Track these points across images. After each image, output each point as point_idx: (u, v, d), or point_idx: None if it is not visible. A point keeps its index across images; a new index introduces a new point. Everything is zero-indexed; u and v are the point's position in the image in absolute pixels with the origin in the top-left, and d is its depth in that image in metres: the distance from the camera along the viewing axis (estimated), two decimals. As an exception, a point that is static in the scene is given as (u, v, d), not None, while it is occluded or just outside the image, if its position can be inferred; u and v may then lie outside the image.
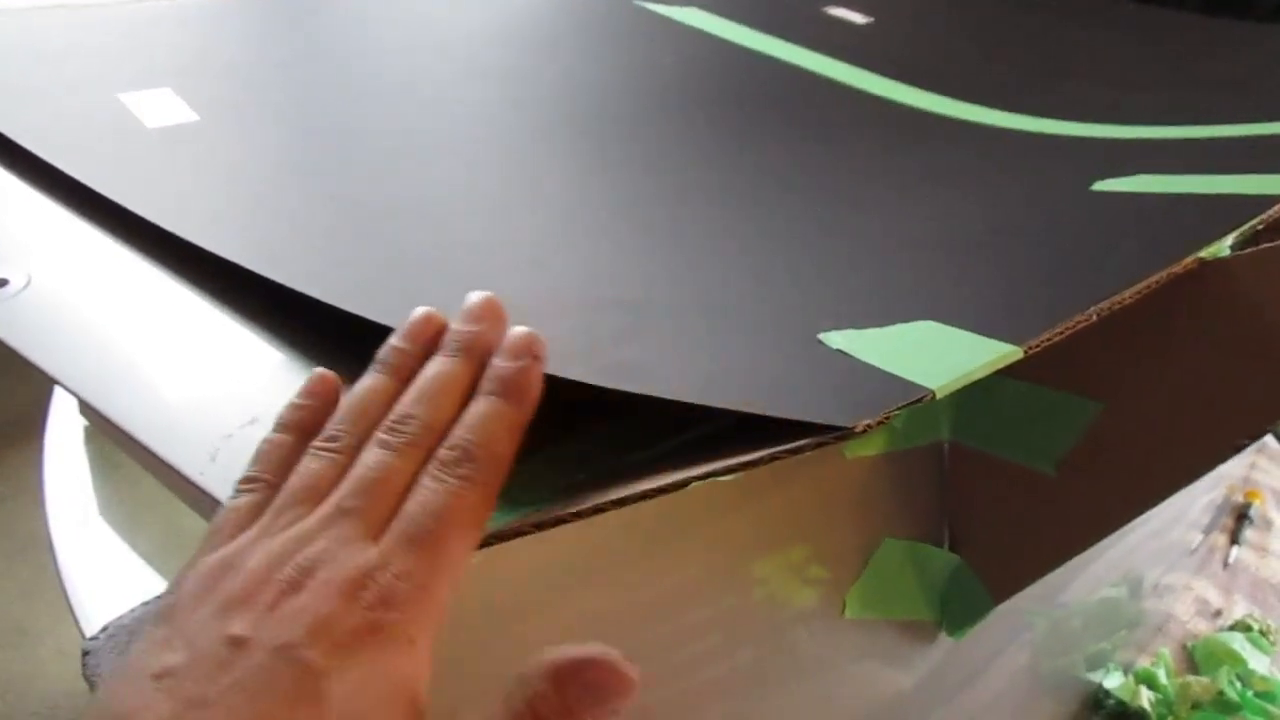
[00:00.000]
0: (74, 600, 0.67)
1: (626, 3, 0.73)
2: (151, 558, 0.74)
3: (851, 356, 0.28)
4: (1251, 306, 0.33)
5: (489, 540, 0.27)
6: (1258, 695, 0.67)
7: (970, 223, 0.39)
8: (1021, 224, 0.39)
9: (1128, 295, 0.29)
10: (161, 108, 0.45)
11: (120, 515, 0.76)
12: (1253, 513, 0.89)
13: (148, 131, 0.43)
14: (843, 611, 0.40)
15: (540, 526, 0.26)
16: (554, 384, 0.29)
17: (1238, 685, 0.66)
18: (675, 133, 0.51)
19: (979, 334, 0.28)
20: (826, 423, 0.24)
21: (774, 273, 0.35)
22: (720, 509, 0.36)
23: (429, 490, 0.25)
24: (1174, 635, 0.75)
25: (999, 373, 0.39)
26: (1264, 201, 0.36)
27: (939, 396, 0.25)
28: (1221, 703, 0.65)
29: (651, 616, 0.36)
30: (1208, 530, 0.84)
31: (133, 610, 0.59)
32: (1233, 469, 0.92)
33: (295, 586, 0.23)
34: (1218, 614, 0.78)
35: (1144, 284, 0.30)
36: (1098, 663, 0.69)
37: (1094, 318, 0.28)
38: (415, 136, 0.46)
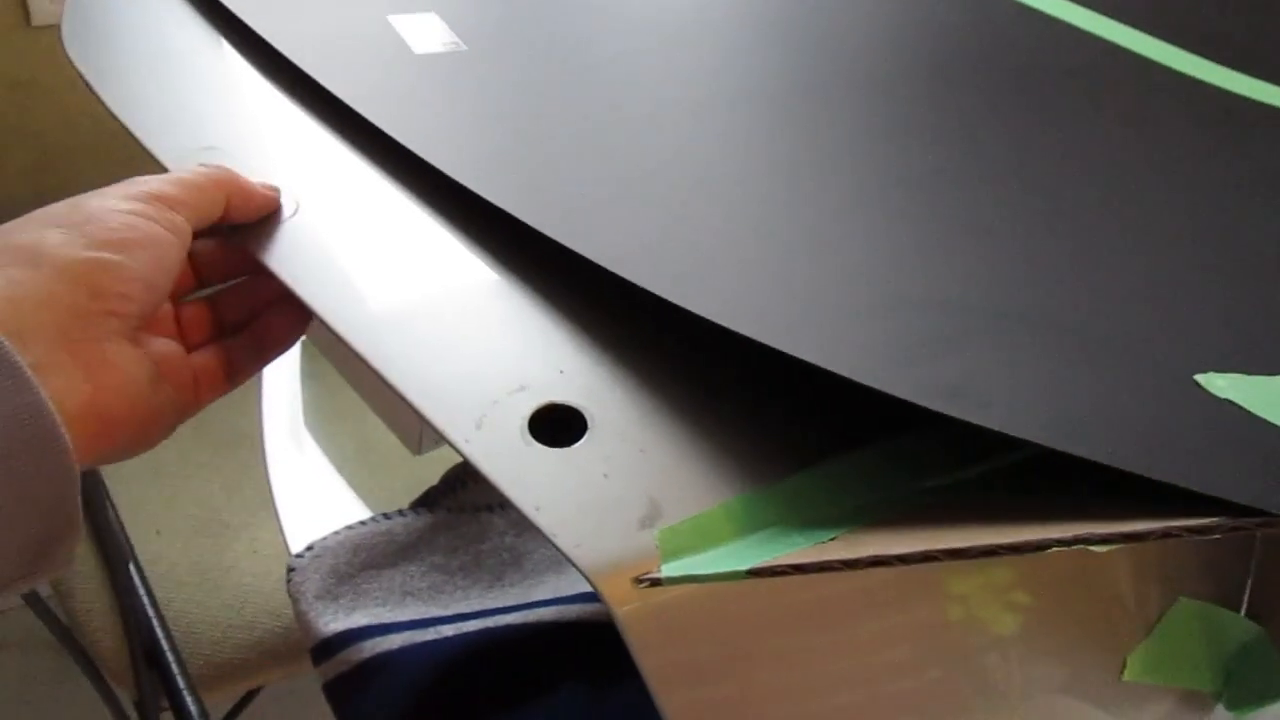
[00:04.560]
0: (280, 509, 0.69)
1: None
2: (343, 468, 0.75)
3: (1245, 410, 0.23)
4: None
5: (787, 571, 0.23)
6: None
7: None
8: None
9: None
10: (429, 33, 0.43)
11: (320, 427, 0.77)
12: None
13: (415, 57, 0.41)
14: (1121, 673, 0.35)
15: (852, 565, 0.23)
16: (846, 387, 0.26)
17: None
18: (970, 101, 0.46)
19: None
20: (1254, 505, 0.19)
21: (1114, 287, 0.30)
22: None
23: None
24: None
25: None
26: None
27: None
28: None
29: (841, 616, 0.32)
30: None
31: (336, 533, 0.59)
32: None
33: None
34: None
35: None
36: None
37: None
38: (688, 86, 0.42)
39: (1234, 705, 0.38)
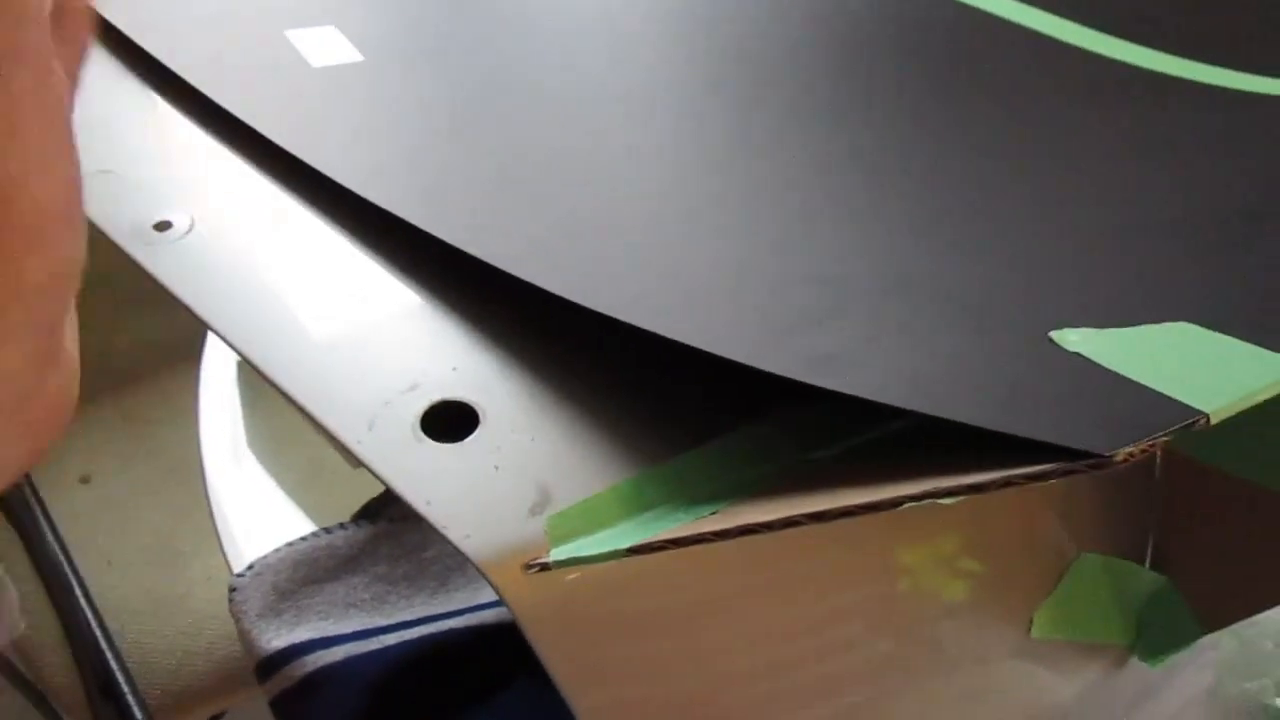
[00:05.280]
0: (222, 531, 0.69)
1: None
2: (293, 490, 0.75)
3: (1092, 361, 0.24)
4: None
5: (665, 546, 0.24)
6: None
7: (1216, 204, 0.34)
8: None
9: None
10: (327, 46, 0.43)
11: (266, 446, 0.77)
12: None
13: (312, 70, 0.41)
14: (1029, 630, 0.36)
15: (722, 535, 0.23)
16: (735, 367, 0.26)
17: None
18: (860, 87, 0.47)
19: (1252, 343, 0.24)
20: (1078, 447, 0.20)
21: (985, 254, 0.31)
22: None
23: None
24: (1372, 662, 0.67)
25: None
26: None
27: (1214, 421, 0.21)
28: None
29: (789, 597, 0.33)
30: None
31: (277, 550, 0.59)
32: None
33: None
34: None
35: None
36: (1284, 687, 0.63)
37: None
38: (586, 84, 0.43)
39: (1147, 655, 0.39)
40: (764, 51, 0.48)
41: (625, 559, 0.25)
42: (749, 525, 0.23)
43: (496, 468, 0.28)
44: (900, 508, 0.21)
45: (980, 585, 0.37)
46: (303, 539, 0.60)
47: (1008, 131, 0.42)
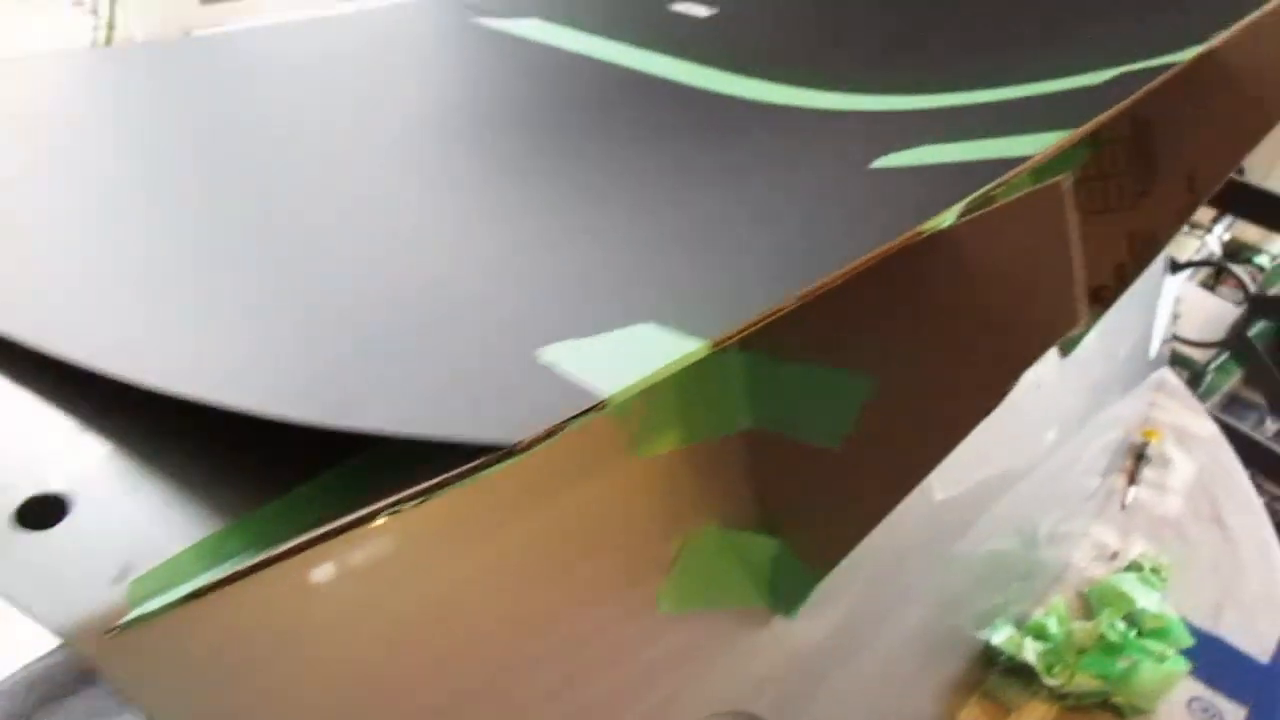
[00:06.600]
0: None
1: (464, 21, 0.73)
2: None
3: (553, 371, 0.28)
4: (975, 276, 0.34)
5: (221, 585, 0.27)
6: (1150, 634, 0.69)
7: (737, 217, 0.40)
8: (789, 211, 0.40)
9: (833, 278, 0.30)
10: None
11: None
12: (1150, 451, 0.90)
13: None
14: (657, 607, 0.41)
15: (257, 568, 0.27)
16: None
17: (1119, 627, 0.67)
18: (491, 149, 0.52)
19: (689, 334, 0.29)
20: (493, 441, 0.24)
21: (516, 285, 0.36)
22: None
23: None
24: (1071, 582, 0.76)
25: (781, 356, 0.40)
26: (1004, 165, 0.37)
27: (614, 403, 0.26)
28: (1105, 645, 0.66)
29: (529, 633, 0.36)
30: (1106, 473, 0.85)
31: (11, 675, 0.59)
32: (1133, 410, 0.93)
33: None
34: (1114, 556, 0.79)
35: (852, 265, 0.31)
36: (990, 619, 0.70)
37: (791, 304, 0.29)
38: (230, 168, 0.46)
39: (783, 610, 0.45)
40: (414, 125, 0.52)
41: (193, 603, 0.28)
42: (271, 556, 0.26)
43: (83, 549, 0.30)
44: (378, 519, 0.25)
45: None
46: (39, 658, 0.60)
47: (606, 171, 0.47)
